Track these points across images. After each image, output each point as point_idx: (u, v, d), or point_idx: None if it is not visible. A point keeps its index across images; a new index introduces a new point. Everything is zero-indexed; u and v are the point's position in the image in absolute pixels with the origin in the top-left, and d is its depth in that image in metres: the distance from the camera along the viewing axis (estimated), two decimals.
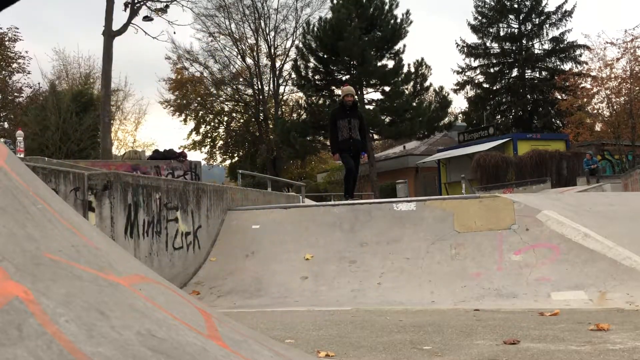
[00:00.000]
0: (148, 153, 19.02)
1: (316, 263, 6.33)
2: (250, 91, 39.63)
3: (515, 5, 39.99)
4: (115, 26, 21.84)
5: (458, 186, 27.17)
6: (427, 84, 33.35)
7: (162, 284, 1.52)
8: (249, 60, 38.90)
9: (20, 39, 34.71)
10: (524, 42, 40.04)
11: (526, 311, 4.32)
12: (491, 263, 5.79)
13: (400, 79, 31.75)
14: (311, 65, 33.04)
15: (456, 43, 41.15)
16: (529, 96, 40.24)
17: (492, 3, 40.20)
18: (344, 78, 32.26)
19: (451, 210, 6.54)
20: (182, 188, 6.74)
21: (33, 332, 0.92)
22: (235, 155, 41.84)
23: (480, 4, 40.63)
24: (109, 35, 21.65)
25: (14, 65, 33.87)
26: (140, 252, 5.69)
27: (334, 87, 32.72)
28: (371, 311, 4.63)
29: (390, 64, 32.26)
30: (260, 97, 38.71)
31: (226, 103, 41.55)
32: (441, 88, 34.01)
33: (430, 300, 5.31)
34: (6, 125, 34.63)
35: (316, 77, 33.11)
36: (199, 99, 40.54)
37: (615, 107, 32.43)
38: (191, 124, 40.73)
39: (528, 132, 35.60)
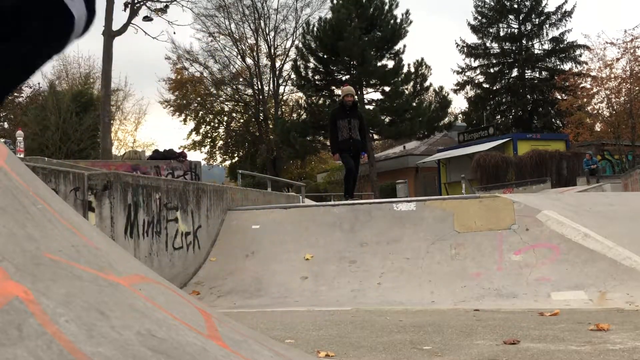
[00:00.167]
0: (148, 153, 19.00)
1: (316, 263, 6.33)
2: (250, 91, 39.64)
3: (515, 6, 39.99)
4: (115, 26, 21.84)
5: (458, 186, 27.17)
6: (427, 84, 33.39)
7: (162, 284, 1.52)
8: (249, 60, 38.94)
9: None
10: (524, 42, 40.04)
11: (526, 311, 4.32)
12: (491, 263, 5.79)
13: (400, 79, 31.76)
14: (311, 65, 33.05)
15: (456, 43, 41.19)
16: (529, 96, 40.25)
17: (492, 3, 40.20)
18: (344, 78, 32.26)
19: (451, 210, 6.54)
20: (182, 188, 6.74)
21: (33, 332, 0.92)
22: (235, 155, 41.84)
23: (480, 4, 40.64)
24: (109, 35, 21.64)
25: None
26: (140, 252, 5.69)
27: (334, 87, 32.72)
28: (371, 311, 4.63)
29: (390, 64, 32.29)
30: (260, 97, 38.71)
31: (226, 103, 41.57)
32: (441, 88, 34.07)
33: (430, 300, 5.31)
34: (6, 125, 34.63)
35: (316, 77, 33.11)
36: (199, 99, 40.54)
37: (615, 107, 32.43)
38: (191, 124, 40.76)
39: (528, 132, 35.61)
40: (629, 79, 31.51)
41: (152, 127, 68.91)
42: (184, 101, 40.37)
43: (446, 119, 34.95)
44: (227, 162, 41.92)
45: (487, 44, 40.75)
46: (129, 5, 22.56)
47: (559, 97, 38.53)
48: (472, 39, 41.75)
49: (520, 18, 40.03)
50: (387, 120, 31.78)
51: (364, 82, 31.98)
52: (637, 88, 31.37)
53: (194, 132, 40.76)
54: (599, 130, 35.07)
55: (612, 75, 32.17)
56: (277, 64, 38.70)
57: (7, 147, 1.55)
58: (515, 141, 32.33)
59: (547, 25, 39.67)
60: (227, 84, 39.78)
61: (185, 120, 40.44)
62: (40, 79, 33.45)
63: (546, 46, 39.94)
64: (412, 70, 32.59)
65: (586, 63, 36.93)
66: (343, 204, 7.41)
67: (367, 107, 30.95)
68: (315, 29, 32.39)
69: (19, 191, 1.31)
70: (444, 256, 6.03)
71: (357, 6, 31.47)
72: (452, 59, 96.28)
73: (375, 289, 5.74)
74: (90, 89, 34.48)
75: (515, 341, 2.95)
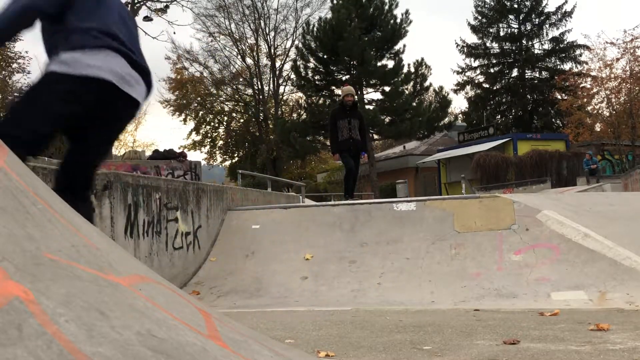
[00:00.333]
0: (148, 153, 18.99)
1: (316, 263, 6.33)
2: (250, 91, 39.66)
3: (515, 6, 40.01)
4: None
5: (458, 186, 27.16)
6: (427, 84, 33.37)
7: (162, 284, 1.52)
8: (249, 60, 38.97)
9: (20, 39, 34.71)
10: (524, 42, 40.05)
11: (526, 311, 4.32)
12: (491, 263, 5.79)
13: (400, 79, 31.74)
14: (311, 65, 33.04)
15: (456, 43, 41.20)
16: (529, 96, 40.26)
17: (492, 3, 40.21)
18: (344, 78, 32.26)
19: (451, 210, 6.54)
20: (182, 188, 6.74)
21: (33, 332, 0.92)
22: (235, 155, 41.84)
23: (480, 4, 40.65)
24: None
25: (14, 65, 33.87)
26: (140, 252, 5.69)
27: (334, 87, 32.71)
28: (371, 311, 4.63)
29: (390, 64, 32.29)
30: (260, 97, 38.71)
31: (226, 103, 41.58)
32: (441, 88, 34.05)
33: (430, 300, 5.31)
34: None
35: (316, 77, 33.10)
36: (199, 99, 40.55)
37: (615, 107, 32.45)
38: (191, 124, 40.78)
39: (528, 132, 35.61)
40: (629, 79, 31.53)
41: (152, 127, 69.03)
42: (184, 101, 40.39)
43: (446, 119, 34.93)
44: (227, 162, 41.96)
45: (487, 44, 40.78)
46: (129, 6, 22.58)
47: (559, 97, 38.54)
48: (472, 39, 41.83)
49: (520, 18, 40.04)
50: (387, 120, 31.77)
51: (364, 82, 31.98)
52: (637, 88, 31.38)
53: (194, 132, 40.80)
54: (599, 130, 35.08)
55: (612, 75, 32.21)
56: (277, 64, 38.74)
57: (7, 147, 1.55)
58: (515, 141, 32.34)
59: (547, 25, 39.69)
60: (227, 84, 39.80)
61: (185, 120, 40.47)
62: None
63: (546, 46, 39.98)
64: (412, 70, 32.59)
65: (586, 63, 37.02)
66: (343, 204, 7.41)
67: (367, 107, 30.94)
68: (315, 29, 32.39)
69: (19, 191, 1.31)
70: (444, 256, 6.03)
71: (357, 6, 31.47)
72: (452, 59, 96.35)
73: (375, 289, 5.74)
74: None
75: (515, 341, 2.95)
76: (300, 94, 35.95)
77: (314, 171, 41.96)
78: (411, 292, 5.57)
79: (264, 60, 39.03)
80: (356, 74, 31.62)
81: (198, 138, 40.91)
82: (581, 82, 35.95)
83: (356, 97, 10.16)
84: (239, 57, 39.12)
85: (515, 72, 40.60)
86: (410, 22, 32.50)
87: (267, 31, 38.36)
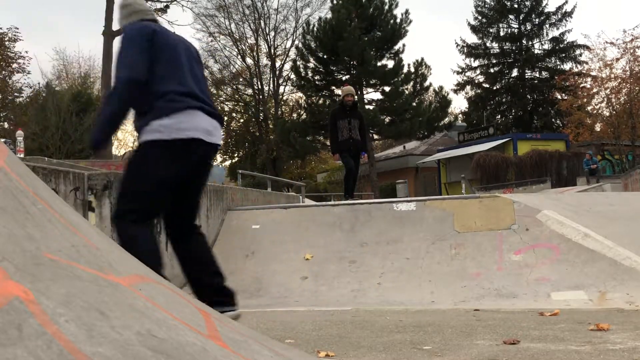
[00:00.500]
0: None
1: (316, 263, 6.33)
2: (250, 91, 39.67)
3: (515, 5, 40.01)
4: (116, 26, 21.83)
5: (458, 186, 27.17)
6: (427, 84, 33.37)
7: (162, 283, 1.52)
8: (249, 60, 39.00)
9: (20, 39, 34.74)
10: (524, 42, 40.05)
11: (526, 311, 4.32)
12: (491, 263, 5.78)
13: (400, 79, 31.75)
14: (311, 65, 33.04)
15: (456, 43, 41.19)
16: (529, 96, 40.26)
17: (492, 3, 40.21)
18: (343, 78, 32.26)
19: (451, 210, 6.54)
20: None
21: (33, 332, 0.92)
22: (235, 155, 41.85)
23: (480, 4, 40.65)
24: (109, 35, 21.66)
25: (14, 65, 33.87)
26: None
27: (334, 87, 32.71)
28: (371, 311, 4.63)
29: (390, 64, 32.29)
30: (260, 97, 38.72)
31: (226, 103, 41.57)
32: (441, 88, 34.06)
33: (430, 300, 5.31)
34: (6, 125, 34.63)
35: (316, 78, 33.10)
36: None
37: (615, 107, 32.44)
38: None
39: (528, 132, 35.60)
40: (629, 79, 31.52)
41: None
42: None
43: (446, 119, 34.95)
44: (227, 162, 41.95)
45: (487, 44, 40.77)
46: None
47: (559, 97, 38.53)
48: (472, 39, 41.83)
49: (520, 18, 40.04)
50: (387, 120, 31.77)
51: (364, 82, 31.98)
52: (637, 88, 31.37)
53: None
54: (599, 130, 35.08)
55: (612, 75, 32.19)
56: (277, 64, 38.75)
57: (7, 147, 1.55)
58: (515, 141, 32.33)
59: (547, 25, 39.69)
60: (227, 84, 39.82)
61: None
62: (41, 79, 33.54)
63: (546, 46, 39.97)
64: (412, 70, 32.60)
65: (586, 63, 37.01)
66: (343, 204, 7.40)
67: (367, 107, 30.94)
68: (315, 29, 32.40)
69: (19, 191, 1.31)
70: (444, 256, 6.03)
71: (357, 6, 31.46)
72: (452, 59, 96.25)
73: (375, 289, 5.74)
74: (89, 89, 34.47)
75: (515, 341, 2.95)
76: (300, 94, 35.97)
77: (314, 171, 41.96)
78: (411, 292, 5.57)
79: (264, 60, 39.10)
80: (356, 74, 31.62)
81: None
82: (581, 82, 35.94)
83: (356, 97, 10.16)
84: (239, 57, 39.19)
85: (515, 72, 40.60)
86: (410, 22, 32.54)
87: (267, 31, 38.42)
